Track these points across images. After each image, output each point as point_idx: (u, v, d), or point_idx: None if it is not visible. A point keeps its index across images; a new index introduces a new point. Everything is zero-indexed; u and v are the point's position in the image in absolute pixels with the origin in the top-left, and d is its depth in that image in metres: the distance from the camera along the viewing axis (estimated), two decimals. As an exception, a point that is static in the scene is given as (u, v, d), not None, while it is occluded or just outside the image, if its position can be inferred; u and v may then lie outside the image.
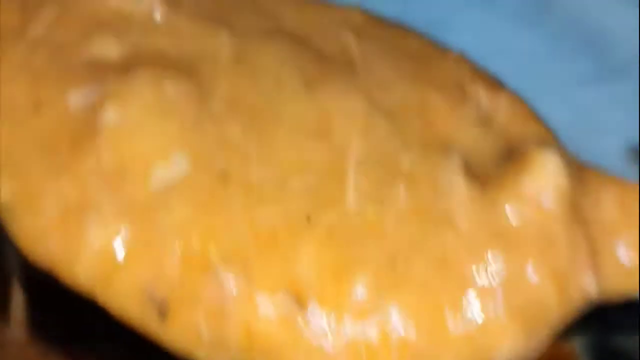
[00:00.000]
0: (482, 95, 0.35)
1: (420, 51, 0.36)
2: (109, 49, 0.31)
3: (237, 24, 0.34)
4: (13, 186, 0.29)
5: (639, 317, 0.42)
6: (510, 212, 0.30)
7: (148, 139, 0.29)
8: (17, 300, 0.34)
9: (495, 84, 0.36)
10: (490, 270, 0.29)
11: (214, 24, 0.33)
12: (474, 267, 0.29)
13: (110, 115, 0.29)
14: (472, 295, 0.29)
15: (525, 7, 0.41)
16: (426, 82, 0.34)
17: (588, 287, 0.31)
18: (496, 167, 0.32)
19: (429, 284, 0.28)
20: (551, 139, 0.34)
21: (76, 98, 0.30)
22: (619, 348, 0.43)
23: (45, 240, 0.28)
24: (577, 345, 0.43)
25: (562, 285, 0.30)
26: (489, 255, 0.29)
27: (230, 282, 0.27)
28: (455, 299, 0.29)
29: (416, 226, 0.29)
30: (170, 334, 0.28)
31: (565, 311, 0.31)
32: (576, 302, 0.31)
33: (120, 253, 0.28)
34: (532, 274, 0.30)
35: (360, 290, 0.28)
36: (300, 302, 0.28)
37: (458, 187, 0.30)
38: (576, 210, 0.31)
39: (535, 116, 0.35)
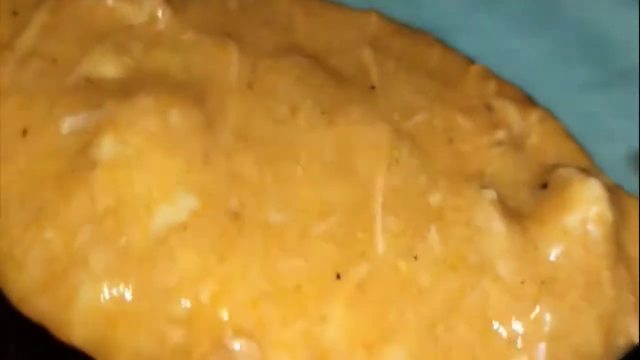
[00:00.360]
0: (511, 113, 0.33)
1: (442, 66, 0.34)
2: (107, 65, 0.29)
3: (246, 37, 0.31)
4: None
5: None
6: (555, 253, 0.29)
7: (150, 176, 0.26)
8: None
9: (524, 99, 0.34)
10: (537, 325, 0.28)
11: (222, 38, 0.30)
12: (520, 325, 0.27)
13: (107, 146, 0.26)
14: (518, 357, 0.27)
15: (529, 14, 0.39)
16: (450, 103, 0.32)
17: (632, 330, 0.29)
18: (533, 197, 0.30)
19: (473, 351, 0.26)
20: (586, 160, 0.33)
21: (69, 124, 0.27)
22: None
23: (33, 299, 0.25)
24: None
25: (608, 330, 0.29)
26: (537, 309, 0.28)
27: (244, 351, 0.25)
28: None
29: (454, 279, 0.27)
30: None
31: (609, 356, 0.29)
32: (620, 347, 0.29)
33: (115, 313, 0.25)
34: (579, 321, 0.28)
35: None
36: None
37: (496, 227, 0.28)
38: (619, 246, 0.30)
39: (567, 134, 0.34)
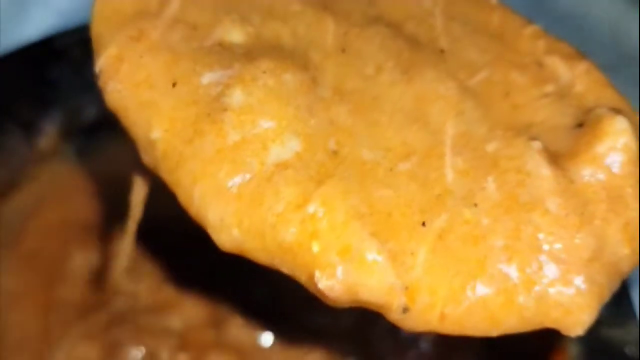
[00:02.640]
0: (560, 66, 0.37)
1: (501, 27, 0.38)
2: (235, 35, 0.34)
3: (339, 10, 0.36)
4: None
5: (625, 312, 0.46)
6: (587, 177, 0.33)
7: (267, 120, 0.32)
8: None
9: (573, 54, 0.37)
10: (581, 247, 0.31)
11: (321, 10, 0.35)
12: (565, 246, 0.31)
13: (237, 96, 0.32)
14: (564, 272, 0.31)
15: (518, 3, 0.41)
16: (508, 61, 0.36)
17: None
18: (572, 137, 0.34)
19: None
20: (624, 104, 0.36)
21: (208, 79, 0.33)
22: (606, 339, 0.45)
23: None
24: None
25: (632, 237, 0.32)
26: (578, 236, 0.31)
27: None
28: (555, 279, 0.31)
29: (510, 219, 0.31)
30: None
31: (635, 262, 0.33)
32: None
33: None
34: (608, 232, 0.32)
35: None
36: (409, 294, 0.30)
37: (543, 172, 0.32)
38: None
39: (609, 84, 0.37)
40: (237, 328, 0.49)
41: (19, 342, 0.46)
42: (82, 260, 0.50)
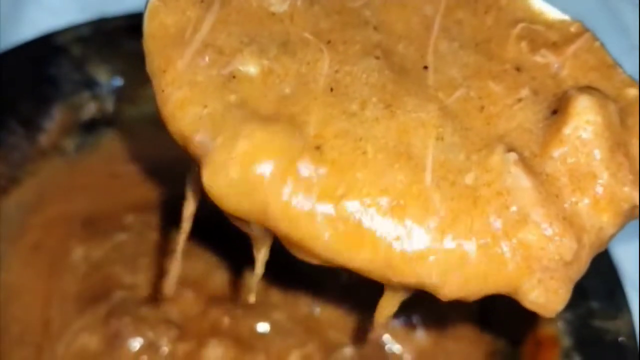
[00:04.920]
0: (548, 57, 0.37)
1: (491, 31, 0.38)
2: (251, 67, 0.35)
3: (343, 40, 0.36)
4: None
5: (619, 304, 0.46)
6: (558, 163, 0.34)
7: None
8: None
9: (562, 39, 0.38)
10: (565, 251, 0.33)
11: (322, 45, 0.36)
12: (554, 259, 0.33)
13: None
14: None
15: None
16: (486, 73, 0.36)
17: (633, 198, 0.34)
18: (547, 127, 0.35)
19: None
20: (607, 79, 0.37)
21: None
22: (600, 330, 0.46)
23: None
24: (559, 327, 0.46)
25: (607, 204, 0.33)
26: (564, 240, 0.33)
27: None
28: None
29: (497, 247, 0.32)
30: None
31: (617, 222, 0.34)
32: (626, 213, 0.34)
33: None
34: (584, 214, 0.33)
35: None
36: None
37: (523, 184, 0.33)
38: (619, 143, 0.34)
39: (595, 62, 0.37)
40: (234, 317, 0.49)
41: (20, 335, 0.47)
42: (82, 253, 0.49)
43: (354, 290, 0.48)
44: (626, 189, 0.33)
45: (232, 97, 0.33)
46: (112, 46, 0.54)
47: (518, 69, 0.36)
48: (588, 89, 0.34)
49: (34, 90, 0.51)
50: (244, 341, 0.48)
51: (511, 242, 0.32)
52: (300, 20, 0.36)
